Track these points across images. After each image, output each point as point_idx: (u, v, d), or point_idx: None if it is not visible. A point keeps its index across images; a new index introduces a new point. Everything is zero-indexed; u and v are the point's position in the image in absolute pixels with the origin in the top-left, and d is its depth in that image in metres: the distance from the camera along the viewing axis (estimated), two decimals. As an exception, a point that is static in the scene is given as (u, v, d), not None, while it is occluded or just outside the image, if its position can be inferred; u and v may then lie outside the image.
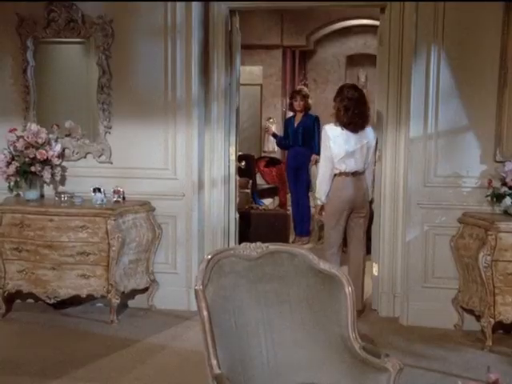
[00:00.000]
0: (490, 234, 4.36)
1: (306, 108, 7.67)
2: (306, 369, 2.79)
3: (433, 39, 4.77)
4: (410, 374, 3.60)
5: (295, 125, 7.64)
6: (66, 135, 5.31)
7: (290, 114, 8.28)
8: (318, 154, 5.49)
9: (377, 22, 5.61)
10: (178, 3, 5.04)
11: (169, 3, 5.05)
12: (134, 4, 5.09)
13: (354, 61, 11.71)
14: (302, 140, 7.54)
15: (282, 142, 8.04)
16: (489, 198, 4.69)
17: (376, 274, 5.29)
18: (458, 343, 4.62)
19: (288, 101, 8.41)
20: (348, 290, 2.73)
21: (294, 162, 7.69)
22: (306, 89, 8.04)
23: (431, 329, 4.84)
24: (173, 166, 5.19)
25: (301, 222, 7.74)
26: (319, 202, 5.17)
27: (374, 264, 5.33)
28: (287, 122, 8.05)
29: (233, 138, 5.50)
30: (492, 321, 4.40)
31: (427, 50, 4.79)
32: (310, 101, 7.71)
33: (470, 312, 4.74)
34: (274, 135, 8.45)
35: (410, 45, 4.86)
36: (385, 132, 5.15)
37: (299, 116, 7.66)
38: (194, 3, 5.06)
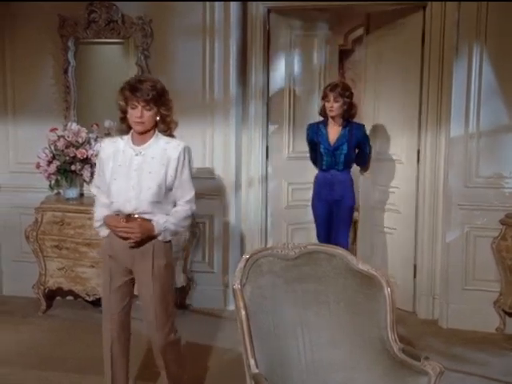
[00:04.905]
0: (534, 236, 4.27)
1: (347, 113, 4.89)
2: (344, 370, 2.77)
3: (475, 37, 4.67)
4: (449, 377, 3.52)
5: (330, 139, 4.91)
6: (106, 134, 5.36)
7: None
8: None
9: (417, 20, 5.52)
10: (217, 3, 5.05)
11: (207, 3, 5.06)
12: (173, 4, 5.13)
13: (393, 60, 11.57)
14: (345, 162, 4.92)
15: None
16: (532, 200, 4.60)
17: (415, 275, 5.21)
18: (499, 347, 4.54)
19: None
20: (387, 290, 2.70)
21: (328, 192, 4.96)
22: (345, 83, 5.11)
23: (471, 332, 4.75)
24: (210, 165, 5.20)
25: None
26: None
27: (412, 265, 5.26)
28: (312, 131, 5.03)
29: (270, 138, 5.47)
30: (535, 325, 4.32)
31: (469, 48, 4.70)
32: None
33: (512, 315, 4.66)
34: None
35: (452, 43, 4.78)
36: (425, 132, 5.07)
37: (335, 125, 4.92)
38: (232, 3, 5.07)
